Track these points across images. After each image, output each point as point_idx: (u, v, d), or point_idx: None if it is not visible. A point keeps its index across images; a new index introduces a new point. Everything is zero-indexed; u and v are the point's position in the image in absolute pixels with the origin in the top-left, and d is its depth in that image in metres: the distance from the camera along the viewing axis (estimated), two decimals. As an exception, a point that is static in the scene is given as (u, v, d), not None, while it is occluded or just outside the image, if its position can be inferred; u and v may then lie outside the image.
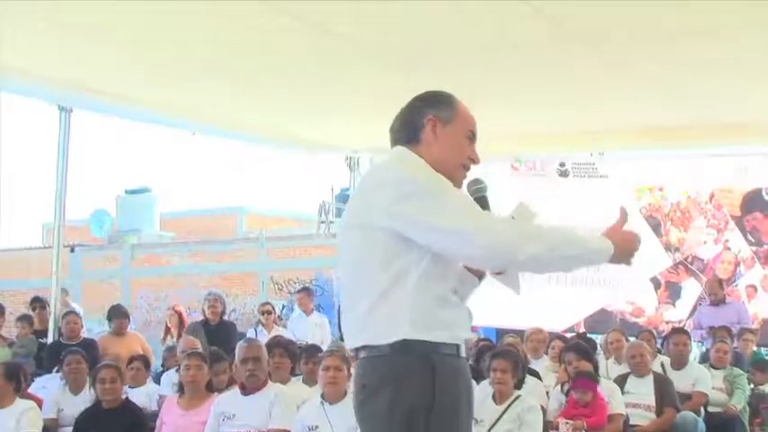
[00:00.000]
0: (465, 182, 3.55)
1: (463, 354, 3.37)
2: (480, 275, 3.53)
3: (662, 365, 9.12)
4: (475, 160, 3.53)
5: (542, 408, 7.46)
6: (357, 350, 3.33)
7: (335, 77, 8.74)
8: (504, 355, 7.51)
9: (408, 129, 3.47)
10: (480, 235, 3.11)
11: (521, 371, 7.41)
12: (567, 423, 7.43)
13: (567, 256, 3.26)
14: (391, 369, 3.21)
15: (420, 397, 3.18)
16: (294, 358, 8.09)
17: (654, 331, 11.08)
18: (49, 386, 8.80)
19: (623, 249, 3.39)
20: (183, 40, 7.90)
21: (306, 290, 13.81)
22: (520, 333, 10.54)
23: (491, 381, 7.29)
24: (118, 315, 10.92)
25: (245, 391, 6.85)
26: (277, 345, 8.21)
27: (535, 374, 8.46)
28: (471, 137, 3.53)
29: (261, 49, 8.20)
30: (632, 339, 9.74)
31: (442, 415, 3.20)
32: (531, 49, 8.10)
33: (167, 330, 12.49)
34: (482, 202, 3.47)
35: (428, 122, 3.44)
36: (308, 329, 12.34)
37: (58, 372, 8.84)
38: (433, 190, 3.21)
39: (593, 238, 3.37)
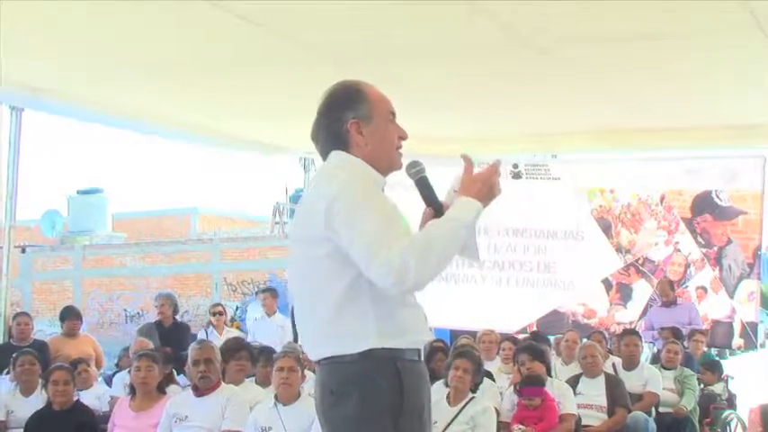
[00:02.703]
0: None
1: (423, 357, 3.42)
2: None
3: (613, 366, 9.20)
4: (404, 137, 3.53)
5: (496, 409, 7.49)
6: (323, 358, 3.32)
7: (288, 79, 8.73)
8: (467, 356, 7.53)
9: (335, 139, 3.44)
10: (381, 269, 3.08)
11: (479, 374, 7.44)
12: (519, 428, 7.49)
13: (453, 247, 3.25)
14: (358, 374, 3.22)
15: (388, 400, 3.20)
16: (254, 361, 8.08)
17: (605, 332, 11.18)
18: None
19: (486, 196, 3.40)
20: (133, 41, 7.86)
21: (270, 290, 13.31)
22: (473, 334, 10.58)
23: (449, 380, 7.31)
24: (70, 316, 10.81)
25: (198, 392, 6.82)
26: (243, 348, 8.16)
27: (488, 375, 8.49)
28: (393, 118, 3.51)
29: (215, 51, 8.17)
30: (584, 340, 9.80)
31: (410, 417, 3.23)
32: (482, 51, 8.13)
33: None
34: (423, 182, 3.47)
35: (351, 127, 3.41)
36: (270, 331, 12.11)
37: (8, 374, 8.76)
38: (358, 210, 3.17)
39: (462, 210, 3.33)
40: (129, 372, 7.69)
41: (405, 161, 3.53)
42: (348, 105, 3.44)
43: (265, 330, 12.16)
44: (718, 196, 12.09)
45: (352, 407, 3.21)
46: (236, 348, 8.01)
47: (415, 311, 3.36)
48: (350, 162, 3.40)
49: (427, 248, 3.11)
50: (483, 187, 3.42)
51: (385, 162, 3.45)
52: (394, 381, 3.21)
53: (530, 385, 7.72)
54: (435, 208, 3.46)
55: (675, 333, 10.66)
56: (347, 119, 3.41)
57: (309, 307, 3.37)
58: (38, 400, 7.92)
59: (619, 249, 12.61)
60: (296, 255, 3.40)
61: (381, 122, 3.45)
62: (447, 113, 10.62)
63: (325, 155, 3.48)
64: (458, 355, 7.56)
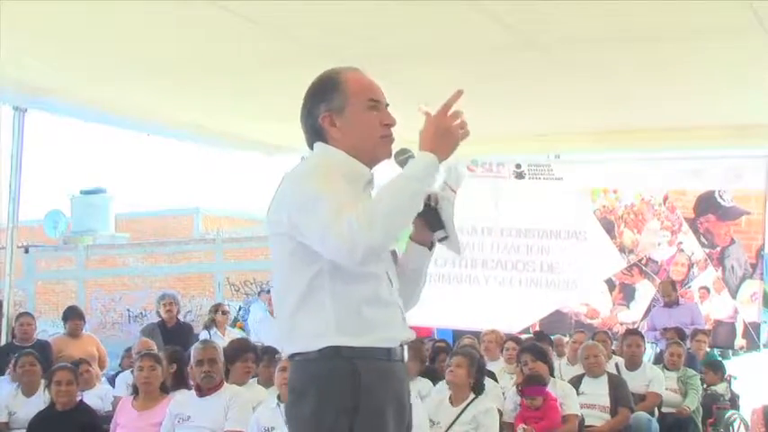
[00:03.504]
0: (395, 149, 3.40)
1: (396, 356, 3.29)
2: (429, 245, 3.47)
3: (616, 366, 9.20)
4: (390, 123, 3.38)
5: (498, 410, 7.49)
6: (290, 356, 3.29)
7: (290, 78, 8.68)
8: (462, 353, 7.55)
9: (313, 133, 3.38)
10: (333, 244, 2.98)
11: (478, 371, 7.41)
12: (523, 428, 7.48)
13: (403, 203, 3.06)
14: (316, 373, 3.17)
15: (344, 400, 3.13)
16: (257, 361, 8.09)
17: (609, 332, 11.18)
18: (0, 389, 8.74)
19: (441, 142, 3.20)
20: (134, 41, 7.84)
21: None
22: (476, 334, 10.58)
23: (446, 378, 7.31)
24: (73, 316, 10.83)
25: (201, 392, 6.83)
26: (250, 349, 8.15)
27: (491, 376, 8.49)
28: (374, 106, 3.36)
29: (216, 51, 8.16)
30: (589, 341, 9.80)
31: (368, 418, 3.14)
32: (483, 51, 8.11)
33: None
34: None
35: (324, 121, 3.33)
36: (273, 331, 12.05)
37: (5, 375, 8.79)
38: (312, 200, 3.07)
39: (412, 164, 3.17)
40: (132, 372, 7.70)
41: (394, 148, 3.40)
42: (321, 98, 3.35)
43: (268, 331, 12.14)
44: (721, 196, 12.07)
45: (310, 406, 3.16)
46: (242, 349, 8.01)
47: (385, 310, 3.26)
48: (325, 155, 3.33)
49: (373, 210, 2.97)
50: (435, 134, 3.22)
51: (367, 153, 3.33)
52: (351, 380, 3.13)
53: (532, 385, 7.73)
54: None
55: (679, 334, 10.66)
56: (320, 112, 3.33)
57: (278, 304, 3.35)
58: (39, 401, 7.92)
59: (622, 249, 12.60)
60: (272, 247, 3.35)
61: (357, 112, 3.32)
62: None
63: (310, 147, 3.42)
64: (454, 354, 7.59)
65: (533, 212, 12.88)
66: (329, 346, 3.14)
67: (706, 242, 12.16)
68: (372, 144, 3.33)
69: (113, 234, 27.80)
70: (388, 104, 3.43)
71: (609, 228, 12.64)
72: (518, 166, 12.96)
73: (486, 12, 7.00)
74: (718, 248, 12.10)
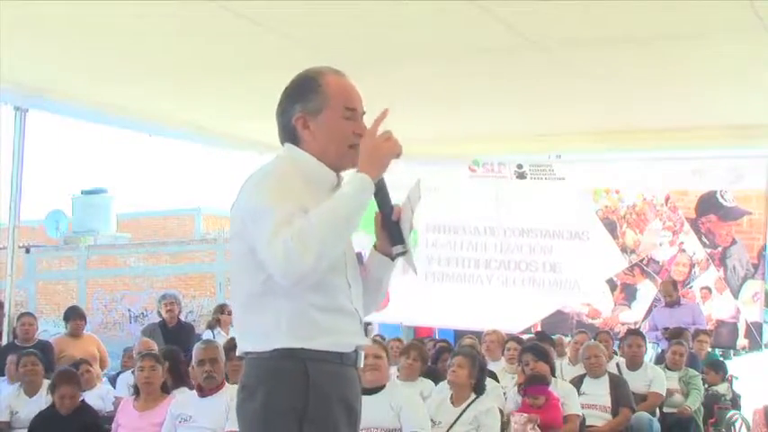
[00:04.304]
0: None
1: (349, 361, 3.27)
2: (392, 257, 3.42)
3: (617, 366, 9.19)
4: (362, 134, 3.29)
5: (500, 410, 7.48)
6: (244, 354, 3.28)
7: (290, 78, 8.73)
8: (464, 353, 7.53)
9: (285, 133, 3.34)
10: (271, 263, 3.00)
11: (479, 371, 7.39)
12: (521, 415, 7.45)
13: (344, 227, 3.08)
14: (267, 371, 3.15)
15: (292, 400, 3.12)
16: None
17: (610, 333, 11.18)
18: (1, 389, 8.74)
19: (371, 162, 3.16)
20: (134, 41, 7.85)
21: None
22: (477, 334, 10.59)
23: (447, 378, 7.31)
24: (74, 317, 10.83)
25: (202, 392, 6.82)
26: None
27: (492, 376, 8.48)
28: (350, 115, 3.30)
29: (216, 51, 8.18)
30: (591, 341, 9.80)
31: (316, 419, 3.14)
32: (485, 51, 8.12)
33: None
34: (379, 185, 3.26)
35: (297, 122, 3.28)
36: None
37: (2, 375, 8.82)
38: (263, 210, 3.06)
39: (351, 187, 3.14)
40: (133, 372, 7.69)
41: None
42: (298, 97, 3.31)
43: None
44: (722, 197, 12.08)
45: (258, 405, 3.15)
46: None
47: (339, 317, 3.23)
48: (290, 159, 3.31)
49: (308, 232, 2.95)
50: (365, 153, 3.19)
51: (333, 159, 3.29)
52: (301, 381, 3.12)
53: (534, 384, 7.72)
54: (384, 213, 3.34)
55: (682, 335, 10.66)
56: (295, 113, 3.29)
57: (234, 301, 3.33)
58: (41, 401, 7.92)
59: (624, 250, 12.60)
60: (230, 247, 3.35)
61: (332, 117, 3.27)
62: (450, 114, 10.62)
63: (282, 144, 3.39)
64: (455, 354, 7.58)
65: (535, 212, 12.89)
66: (282, 348, 3.14)
67: (707, 242, 12.16)
68: (340, 153, 3.29)
69: (114, 234, 27.80)
70: (364, 112, 3.38)
71: (611, 228, 12.64)
72: (519, 166, 12.96)
73: (487, 12, 7.00)
74: (720, 248, 12.10)
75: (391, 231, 3.37)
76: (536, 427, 7.35)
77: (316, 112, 3.27)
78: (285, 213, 3.02)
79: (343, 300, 3.24)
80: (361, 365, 3.40)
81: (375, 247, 3.46)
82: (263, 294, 3.15)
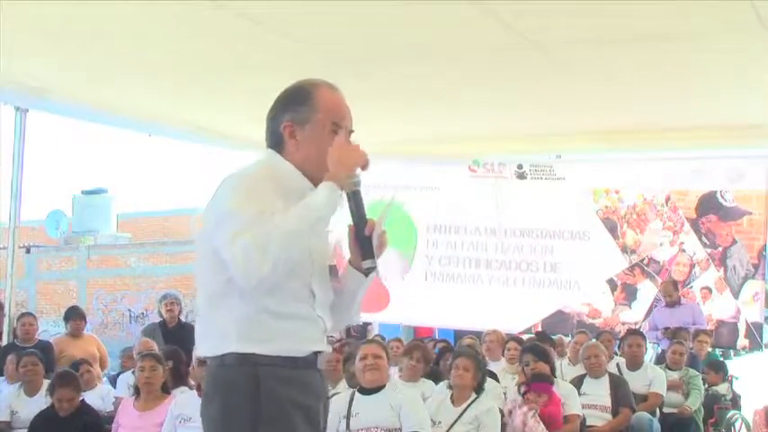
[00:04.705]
0: None
1: (304, 365, 3.25)
2: (365, 272, 3.39)
3: (617, 366, 9.19)
4: None
5: (500, 410, 7.48)
6: (203, 359, 3.33)
7: (291, 79, 8.71)
8: (467, 354, 7.53)
9: (272, 137, 3.37)
10: (231, 265, 3.02)
11: (481, 373, 7.40)
12: (522, 405, 7.45)
13: (305, 235, 3.10)
14: (221, 378, 3.19)
15: (247, 406, 3.14)
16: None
17: (612, 332, 11.18)
18: (1, 389, 8.74)
19: (340, 176, 3.19)
20: (135, 41, 7.85)
21: None
22: (477, 334, 10.59)
23: (451, 379, 7.30)
24: (74, 317, 10.84)
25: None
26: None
27: (492, 376, 8.49)
28: (336, 129, 3.32)
29: (217, 51, 8.17)
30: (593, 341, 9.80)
31: (272, 422, 3.14)
32: (485, 51, 8.12)
33: None
34: (356, 196, 3.28)
35: (285, 129, 3.32)
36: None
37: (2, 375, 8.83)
38: (230, 215, 3.08)
39: (318, 197, 3.15)
40: (134, 372, 7.69)
41: None
42: (289, 106, 3.35)
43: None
44: (723, 197, 12.08)
45: (216, 410, 3.20)
46: None
47: (296, 322, 3.23)
48: (268, 165, 3.33)
49: (269, 239, 2.99)
50: (332, 163, 3.22)
51: (314, 171, 3.29)
52: (252, 386, 3.14)
53: (539, 381, 7.71)
54: (357, 227, 3.33)
55: (682, 334, 10.67)
56: (283, 120, 3.33)
57: (200, 305, 3.34)
58: (42, 401, 7.91)
59: (624, 250, 12.60)
60: (197, 248, 3.35)
61: (319, 131, 3.31)
62: (450, 114, 10.61)
63: (268, 147, 3.41)
64: (458, 355, 7.57)
65: (535, 213, 12.89)
66: (234, 353, 3.16)
67: (708, 242, 12.17)
68: (321, 166, 3.27)
69: (115, 234, 27.76)
70: (352, 131, 3.39)
71: (611, 228, 12.65)
72: (520, 166, 12.97)
73: (487, 12, 6.99)
74: (720, 248, 12.11)
75: (363, 245, 3.35)
76: (536, 415, 7.36)
77: (303, 122, 3.31)
78: (250, 216, 3.05)
79: (302, 306, 3.25)
80: (322, 367, 3.35)
81: (350, 261, 3.44)
82: (222, 295, 3.17)
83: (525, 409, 7.40)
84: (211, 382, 3.25)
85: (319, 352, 3.30)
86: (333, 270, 3.41)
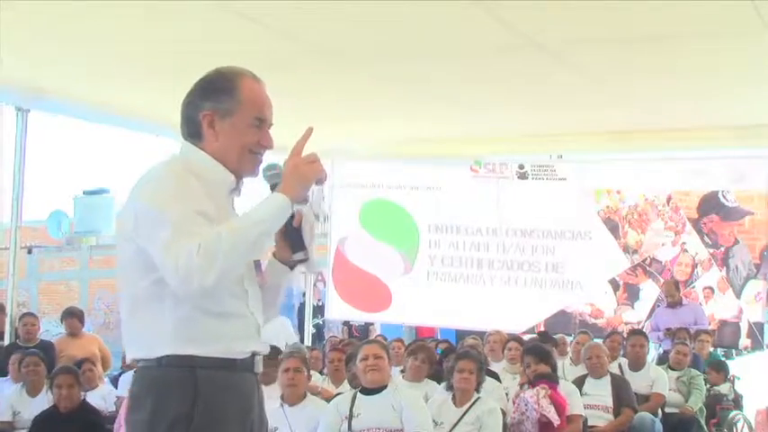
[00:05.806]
0: (262, 166, 3.32)
1: (243, 368, 3.20)
2: (290, 265, 3.37)
3: (620, 367, 9.18)
4: (266, 146, 3.28)
5: (501, 410, 7.47)
6: (135, 361, 3.22)
7: (291, 79, 8.73)
8: (470, 356, 7.51)
9: (189, 125, 3.28)
10: (168, 270, 2.93)
11: (482, 373, 7.40)
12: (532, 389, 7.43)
13: (252, 247, 3.06)
14: (154, 380, 3.09)
15: (179, 408, 3.04)
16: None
17: (621, 333, 11.15)
18: (3, 389, 8.74)
19: (295, 188, 3.12)
20: (135, 41, 7.85)
21: None
22: (480, 334, 10.58)
23: (455, 382, 7.29)
24: (69, 316, 10.88)
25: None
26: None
27: (494, 376, 8.48)
28: (259, 124, 3.24)
29: (215, 51, 8.14)
30: (596, 341, 9.79)
31: (205, 429, 3.06)
32: (487, 51, 8.12)
33: None
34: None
35: (204, 119, 3.21)
36: (275, 329, 11.96)
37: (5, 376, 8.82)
38: (159, 215, 2.99)
39: (268, 208, 3.09)
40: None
41: (264, 163, 3.32)
42: (210, 95, 3.23)
43: (270, 329, 12.03)
44: (724, 197, 12.07)
45: (146, 413, 3.08)
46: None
47: (232, 322, 3.16)
48: (187, 160, 3.24)
49: (216, 248, 2.89)
50: (286, 174, 3.16)
51: (233, 164, 3.23)
52: (187, 389, 3.05)
53: (543, 380, 7.69)
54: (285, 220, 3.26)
55: (687, 334, 10.66)
56: (203, 108, 3.22)
57: (123, 308, 3.24)
58: (44, 401, 7.93)
59: (626, 250, 12.59)
60: (118, 249, 3.24)
61: (239, 124, 3.21)
62: (452, 114, 10.61)
63: (183, 136, 3.33)
64: (460, 357, 7.54)
65: (537, 213, 12.87)
66: (169, 355, 3.07)
67: (710, 242, 12.16)
68: (241, 158, 3.24)
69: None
70: (272, 124, 3.32)
71: (613, 228, 12.63)
72: (521, 166, 12.96)
73: (488, 12, 6.99)
74: (722, 248, 12.09)
75: (292, 238, 3.31)
76: (548, 396, 7.34)
77: (225, 114, 3.21)
78: (185, 219, 2.98)
79: (237, 304, 3.19)
80: (260, 370, 3.29)
81: (274, 254, 3.40)
82: (150, 298, 3.08)
83: (537, 388, 7.38)
84: (143, 384, 3.14)
85: (257, 353, 3.25)
86: (256, 264, 3.33)
